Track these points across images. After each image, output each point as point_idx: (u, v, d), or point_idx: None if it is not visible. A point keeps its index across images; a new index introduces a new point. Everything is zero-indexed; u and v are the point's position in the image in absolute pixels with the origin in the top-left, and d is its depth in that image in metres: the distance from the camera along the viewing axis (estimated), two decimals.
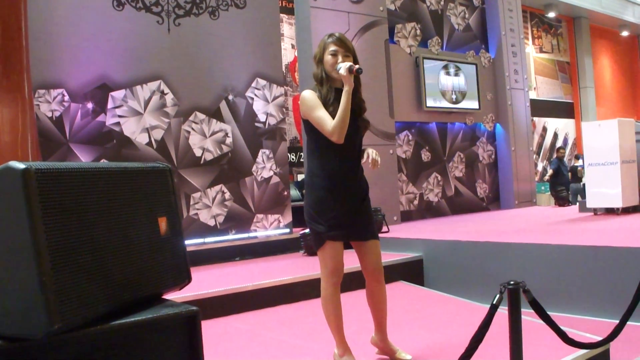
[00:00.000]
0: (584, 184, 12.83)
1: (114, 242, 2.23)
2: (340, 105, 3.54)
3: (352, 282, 5.16)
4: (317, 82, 3.73)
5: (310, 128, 3.68)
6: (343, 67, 3.55)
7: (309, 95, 3.67)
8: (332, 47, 3.66)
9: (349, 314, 4.25)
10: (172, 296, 2.63)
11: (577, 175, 14.60)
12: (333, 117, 3.56)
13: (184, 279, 2.63)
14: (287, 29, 14.60)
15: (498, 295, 2.80)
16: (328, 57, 3.67)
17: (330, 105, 3.61)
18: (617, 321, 3.92)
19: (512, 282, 2.77)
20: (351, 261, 3.96)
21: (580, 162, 14.69)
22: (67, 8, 6.98)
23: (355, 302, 4.85)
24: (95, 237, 2.13)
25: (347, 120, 3.55)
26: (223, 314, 5.47)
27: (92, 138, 7.06)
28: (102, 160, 7.02)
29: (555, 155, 14.86)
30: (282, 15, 13.86)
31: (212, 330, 4.98)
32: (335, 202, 3.64)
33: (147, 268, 2.38)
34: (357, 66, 3.56)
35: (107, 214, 2.22)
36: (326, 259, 3.69)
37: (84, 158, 6.96)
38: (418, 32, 11.23)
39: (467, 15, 12.42)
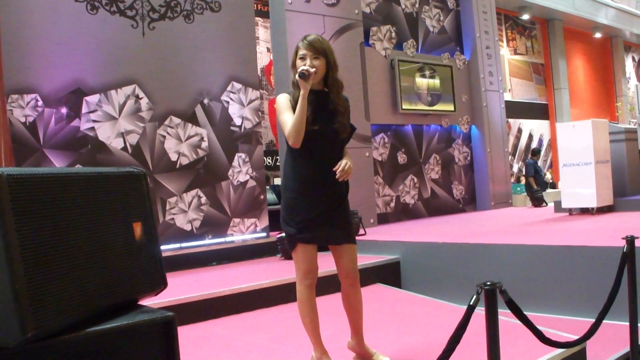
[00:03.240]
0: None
1: (89, 248, 2.21)
2: (296, 110, 3.56)
3: (329, 285, 5.16)
4: (293, 87, 3.73)
5: None
6: (298, 70, 3.58)
7: (281, 99, 3.70)
8: (301, 51, 3.68)
9: (326, 317, 4.24)
10: (148, 302, 2.61)
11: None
12: (309, 121, 3.57)
13: (160, 285, 2.62)
14: (263, 33, 14.60)
15: (475, 296, 2.81)
16: (298, 62, 3.68)
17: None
18: (593, 320, 3.95)
19: (488, 283, 2.77)
20: (328, 264, 3.95)
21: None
22: (40, 12, 6.91)
23: (332, 306, 4.85)
24: (70, 243, 2.12)
25: (302, 125, 3.55)
26: (200, 320, 5.44)
27: (66, 143, 7.00)
28: (76, 166, 6.95)
29: (529, 157, 14.93)
30: (257, 18, 13.86)
31: (188, 336, 4.96)
32: (307, 205, 3.64)
33: (122, 274, 2.37)
34: (299, 69, 3.57)
35: (81, 220, 2.21)
36: (299, 261, 3.70)
37: (58, 163, 6.89)
38: (393, 34, 11.26)
39: (442, 18, 12.47)
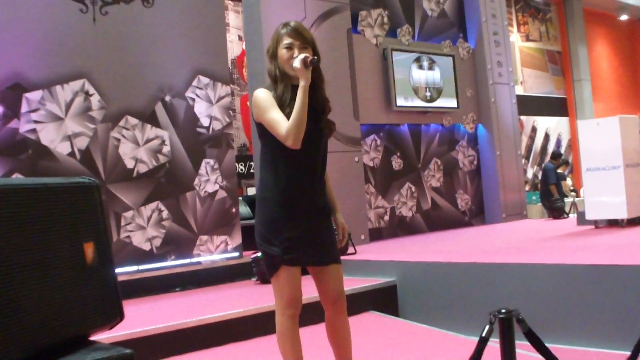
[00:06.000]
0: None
1: (29, 274, 2.18)
2: (296, 104, 3.52)
3: (314, 314, 5.13)
4: (272, 80, 3.71)
5: (264, 133, 3.65)
6: (297, 59, 3.53)
7: (262, 95, 3.64)
8: (287, 40, 3.65)
9: (311, 352, 4.21)
10: (102, 337, 2.59)
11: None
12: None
13: (115, 316, 2.59)
14: (234, 18, 14.58)
15: (487, 326, 2.79)
16: (282, 52, 3.65)
17: (287, 106, 3.58)
18: (628, 353, 3.93)
19: (503, 310, 2.76)
20: (311, 289, 3.93)
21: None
22: None
23: (316, 338, 4.83)
24: (6, 269, 2.09)
25: (304, 121, 3.53)
26: (163, 356, 5.41)
27: (3, 148, 6.96)
28: (15, 175, 6.93)
29: (548, 160, 14.96)
30: (227, 1, 13.85)
31: None
32: (291, 220, 3.61)
33: (69, 304, 2.34)
34: (310, 57, 3.55)
35: (20, 240, 2.18)
36: (281, 288, 3.65)
37: None
38: (385, 19, 11.27)
39: (441, 0, 12.50)
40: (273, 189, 3.65)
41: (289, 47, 3.64)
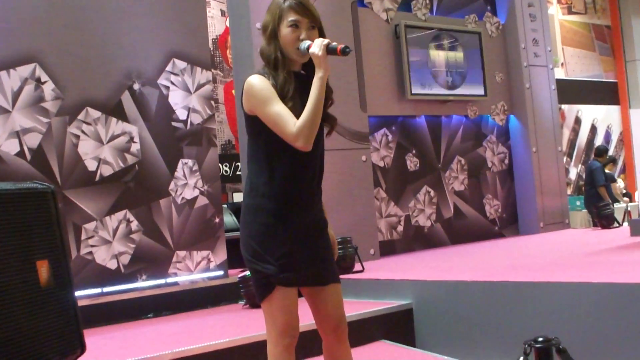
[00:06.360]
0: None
1: None
2: (311, 98, 3.54)
3: (314, 343, 5.14)
4: (269, 65, 3.71)
5: (256, 128, 3.67)
6: (318, 44, 3.54)
7: (261, 83, 3.63)
8: (292, 16, 3.65)
9: None
10: None
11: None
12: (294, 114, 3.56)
13: (75, 348, 2.61)
14: None
15: (522, 358, 2.82)
16: (286, 31, 3.65)
17: (290, 99, 3.60)
18: None
19: (540, 339, 2.79)
20: (307, 314, 3.95)
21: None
22: None
23: None
24: None
25: (319, 119, 3.56)
26: None
27: None
28: None
29: (593, 158, 14.96)
30: None
31: None
32: (288, 233, 3.64)
33: (21, 334, 2.35)
34: (339, 44, 3.56)
35: None
36: (275, 313, 3.67)
37: None
38: None
39: None
40: (266, 195, 3.66)
41: (295, 26, 3.64)
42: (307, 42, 3.56)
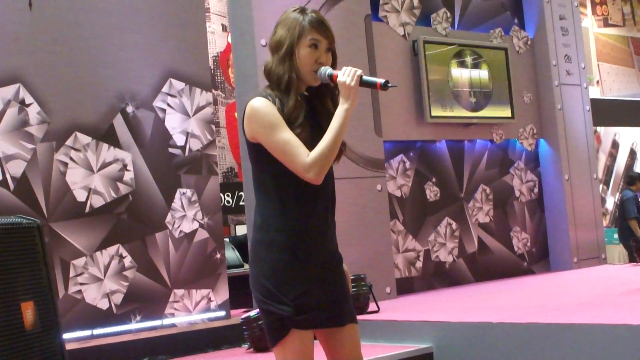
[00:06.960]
0: None
1: None
2: (333, 129, 3.52)
3: None
4: (278, 86, 3.66)
5: (261, 156, 3.63)
6: (350, 74, 3.52)
7: (266, 108, 3.58)
8: (314, 35, 3.62)
9: None
10: None
11: None
12: (306, 142, 3.52)
13: None
14: (215, 2, 14.64)
15: None
16: (306, 50, 3.62)
17: (298, 125, 3.55)
18: None
19: None
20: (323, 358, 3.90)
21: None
22: None
23: None
24: None
25: (336, 152, 3.55)
26: None
27: None
28: None
29: (625, 186, 14.93)
30: None
31: None
32: (303, 270, 3.62)
33: None
34: (381, 79, 3.57)
35: None
36: (290, 358, 3.63)
37: None
38: (416, 3, 11.28)
39: None
40: (280, 229, 3.62)
41: (314, 46, 3.61)
42: (329, 69, 3.54)
